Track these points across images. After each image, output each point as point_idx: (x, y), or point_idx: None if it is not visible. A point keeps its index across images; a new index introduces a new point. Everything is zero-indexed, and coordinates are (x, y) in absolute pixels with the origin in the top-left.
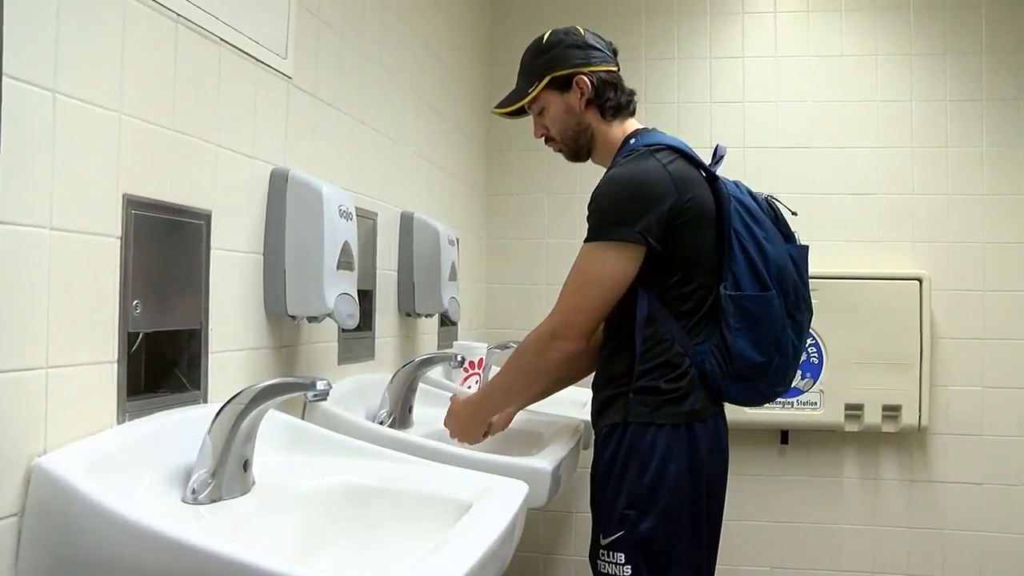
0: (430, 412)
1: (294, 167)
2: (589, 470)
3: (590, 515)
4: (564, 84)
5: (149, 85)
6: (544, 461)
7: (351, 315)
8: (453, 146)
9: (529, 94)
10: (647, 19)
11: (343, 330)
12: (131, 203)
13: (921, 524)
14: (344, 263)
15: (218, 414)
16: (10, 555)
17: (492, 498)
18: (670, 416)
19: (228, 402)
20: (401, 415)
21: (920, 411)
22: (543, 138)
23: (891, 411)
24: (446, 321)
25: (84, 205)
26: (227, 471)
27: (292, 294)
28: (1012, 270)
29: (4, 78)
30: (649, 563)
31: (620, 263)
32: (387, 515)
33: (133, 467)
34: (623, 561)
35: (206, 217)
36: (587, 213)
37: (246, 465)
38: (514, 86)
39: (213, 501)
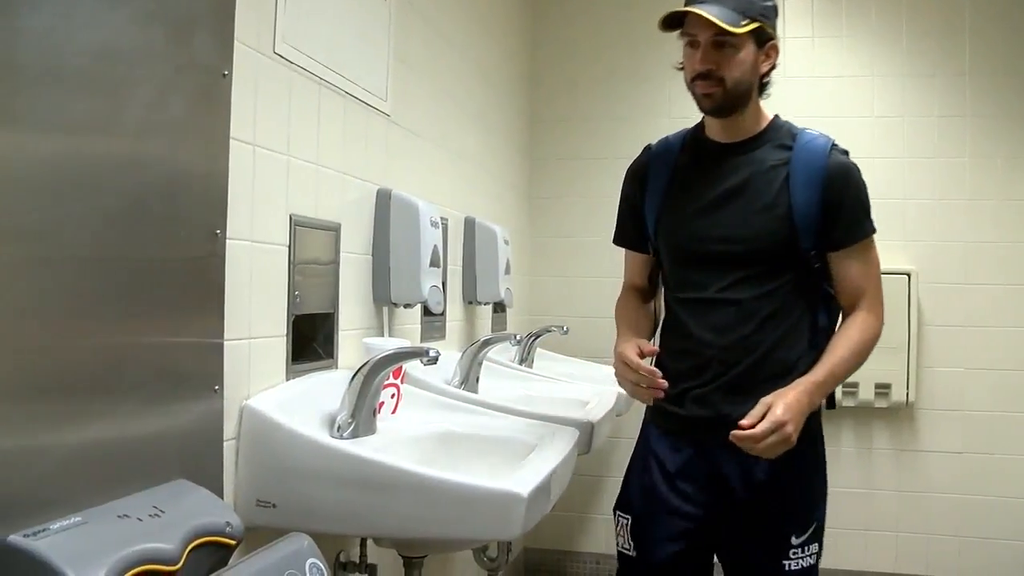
0: (490, 383)
1: (393, 186)
2: (758, 472)
3: (758, 515)
4: (761, 41)
5: (303, 132)
6: (590, 415)
7: (438, 302)
8: (504, 156)
9: (743, 26)
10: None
11: (424, 315)
12: (294, 220)
13: (909, 488)
14: (433, 262)
15: (356, 373)
16: (232, 464)
17: (553, 439)
18: None
19: (364, 364)
20: (469, 384)
21: (908, 389)
22: (700, 75)
23: (883, 389)
24: (498, 308)
25: (268, 223)
26: (362, 416)
27: (395, 286)
28: (991, 266)
29: (231, 140)
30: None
31: None
32: (473, 452)
33: (300, 411)
34: (817, 549)
35: (337, 228)
36: (848, 201)
37: (374, 412)
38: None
39: (353, 437)
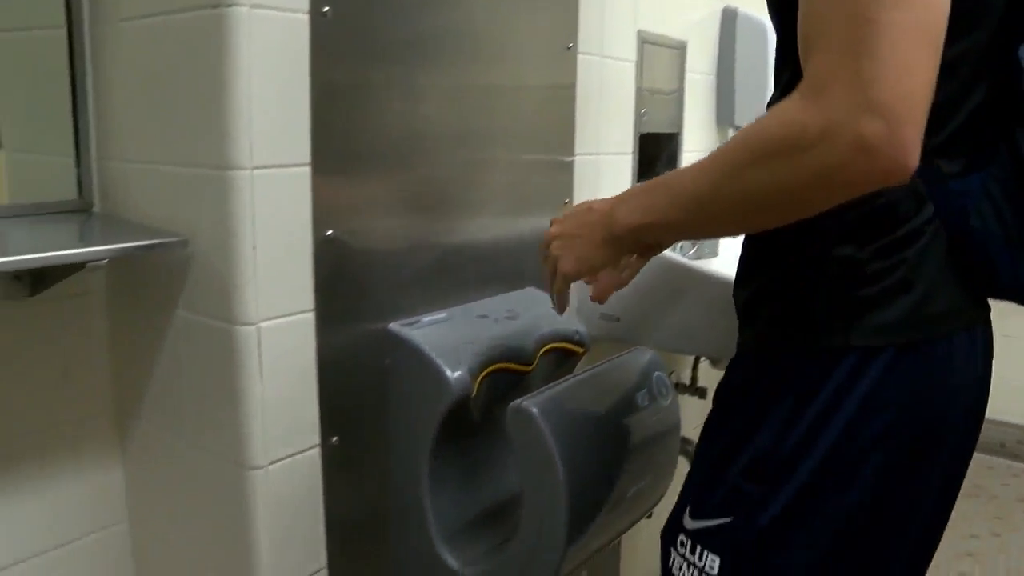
0: None
1: (739, 5)
2: None
3: None
4: None
5: None
6: None
7: None
8: None
9: None
10: None
11: None
12: (642, 37)
13: None
14: None
15: None
16: None
17: None
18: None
19: None
20: None
21: None
22: None
23: None
24: None
25: (617, 39)
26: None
27: (739, 108)
28: None
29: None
30: None
31: None
32: None
33: None
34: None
35: (683, 47)
36: None
37: None
38: None
39: (697, 259)
